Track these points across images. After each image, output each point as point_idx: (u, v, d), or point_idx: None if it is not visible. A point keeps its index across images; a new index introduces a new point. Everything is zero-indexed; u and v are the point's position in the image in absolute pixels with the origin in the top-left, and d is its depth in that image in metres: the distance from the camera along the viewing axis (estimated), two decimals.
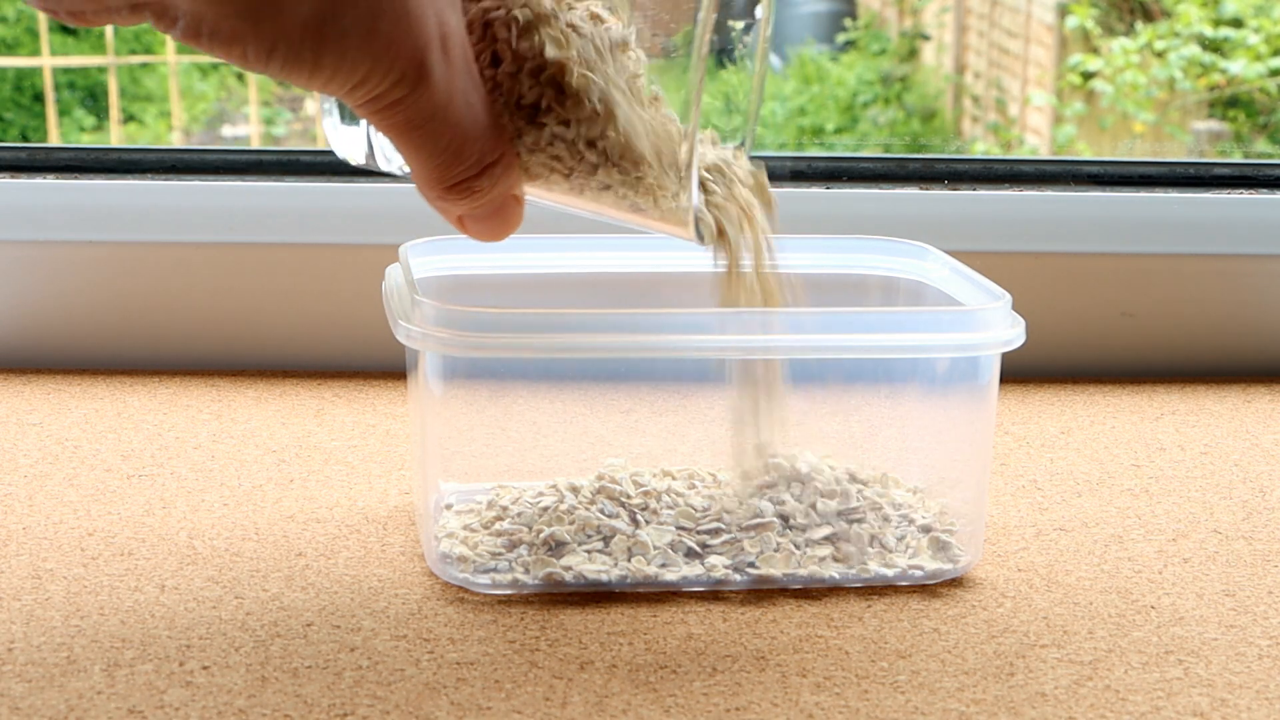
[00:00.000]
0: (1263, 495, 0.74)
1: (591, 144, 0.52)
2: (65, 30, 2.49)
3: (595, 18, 0.53)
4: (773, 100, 3.15)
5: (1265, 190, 0.96)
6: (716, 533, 0.62)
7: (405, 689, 0.53)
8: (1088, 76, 2.86)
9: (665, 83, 0.54)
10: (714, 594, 0.61)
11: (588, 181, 0.53)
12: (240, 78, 2.78)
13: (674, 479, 0.66)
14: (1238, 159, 1.97)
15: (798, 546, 0.62)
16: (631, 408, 0.67)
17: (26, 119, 2.52)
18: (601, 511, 0.63)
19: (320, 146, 1.29)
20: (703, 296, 0.60)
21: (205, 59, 2.57)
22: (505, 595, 0.60)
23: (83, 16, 0.47)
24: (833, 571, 0.62)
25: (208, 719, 0.51)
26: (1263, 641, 0.58)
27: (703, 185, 0.56)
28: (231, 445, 0.77)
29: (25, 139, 2.52)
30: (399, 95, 0.48)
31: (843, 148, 2.89)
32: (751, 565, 0.61)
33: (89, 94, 2.60)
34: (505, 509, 0.64)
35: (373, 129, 0.53)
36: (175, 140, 2.73)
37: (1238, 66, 2.70)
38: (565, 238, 0.70)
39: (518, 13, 0.51)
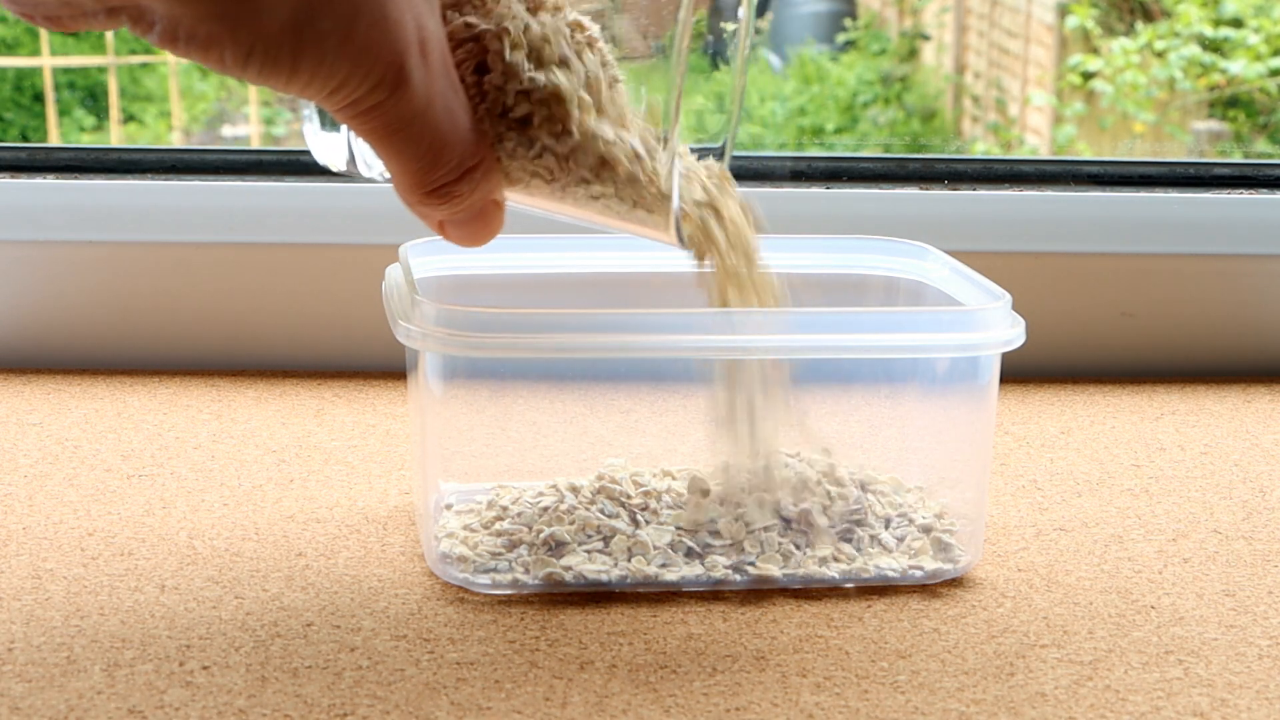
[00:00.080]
0: (1263, 495, 0.74)
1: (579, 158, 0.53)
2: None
3: (578, 26, 0.53)
4: (773, 100, 3.15)
5: (1265, 190, 0.96)
6: (716, 533, 0.62)
7: (405, 689, 0.53)
8: (1088, 76, 2.86)
9: (651, 85, 0.54)
10: (714, 594, 0.61)
11: (571, 189, 0.54)
12: None
13: (674, 479, 0.66)
14: (1238, 159, 1.97)
15: (798, 546, 0.62)
16: (631, 408, 0.67)
17: (26, 119, 2.52)
18: (601, 511, 0.63)
19: None
20: (702, 297, 0.60)
21: None
22: (505, 595, 0.60)
23: (59, 22, 0.47)
24: (833, 571, 0.62)
25: (208, 719, 0.51)
26: (1263, 641, 0.58)
27: (683, 191, 0.56)
28: (231, 445, 0.77)
29: (25, 139, 2.52)
30: (377, 100, 0.48)
31: (843, 148, 2.89)
32: (751, 565, 0.61)
33: (89, 94, 2.60)
34: (505, 509, 0.64)
35: (353, 135, 0.52)
36: (175, 140, 2.72)
37: (1238, 66, 2.70)
38: (565, 238, 0.70)
39: (510, 25, 0.51)
